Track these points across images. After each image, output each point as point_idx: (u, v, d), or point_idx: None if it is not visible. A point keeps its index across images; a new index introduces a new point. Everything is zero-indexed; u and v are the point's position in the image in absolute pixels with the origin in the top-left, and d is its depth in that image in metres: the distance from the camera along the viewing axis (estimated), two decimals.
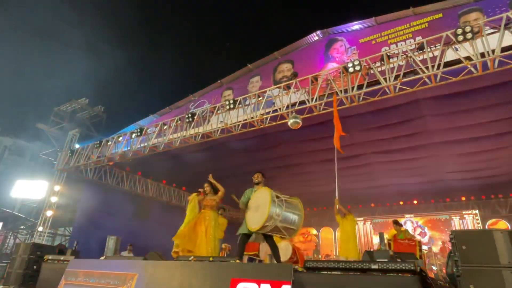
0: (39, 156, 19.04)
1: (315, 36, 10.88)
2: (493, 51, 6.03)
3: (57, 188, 12.23)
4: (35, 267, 6.50)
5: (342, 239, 8.34)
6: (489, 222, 14.50)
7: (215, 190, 5.90)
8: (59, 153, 13.02)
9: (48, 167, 14.21)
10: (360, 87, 7.39)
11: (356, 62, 7.35)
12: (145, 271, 4.28)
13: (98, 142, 11.54)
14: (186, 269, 4.04)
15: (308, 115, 8.08)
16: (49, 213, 11.94)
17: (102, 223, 12.46)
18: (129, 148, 10.94)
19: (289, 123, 7.68)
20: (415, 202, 15.91)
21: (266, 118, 8.60)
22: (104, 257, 5.86)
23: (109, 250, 11.58)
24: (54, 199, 12.12)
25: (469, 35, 6.21)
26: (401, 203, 16.24)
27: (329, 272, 3.27)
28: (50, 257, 6.27)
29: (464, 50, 6.33)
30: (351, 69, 7.37)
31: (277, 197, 4.51)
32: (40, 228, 11.84)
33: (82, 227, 12.21)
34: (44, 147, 19.29)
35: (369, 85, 7.35)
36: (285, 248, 7.71)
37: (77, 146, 12.75)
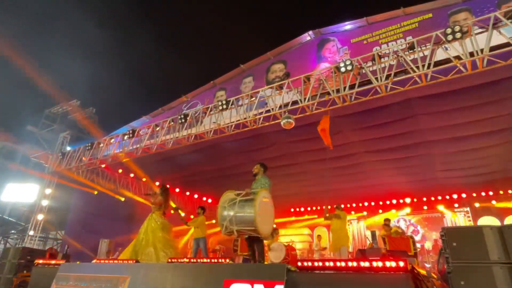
0: (30, 159, 18.74)
1: (307, 36, 10.92)
2: (481, 50, 6.11)
3: (48, 191, 12.07)
4: (25, 271, 6.40)
5: (333, 230, 8.45)
6: (481, 219, 14.68)
7: (163, 193, 6.17)
8: (50, 156, 12.85)
9: (39, 170, 14.00)
10: (352, 86, 7.42)
11: (348, 62, 7.38)
12: (138, 274, 4.24)
13: (89, 144, 11.42)
14: (179, 271, 4.00)
15: (300, 115, 8.10)
16: (40, 216, 11.78)
17: (95, 226, 12.33)
18: (121, 150, 10.85)
19: (281, 123, 7.70)
20: (407, 200, 16.04)
21: (259, 119, 8.59)
22: (95, 260, 5.80)
23: (102, 254, 11.47)
24: (45, 202, 11.95)
25: (458, 35, 6.28)
26: (394, 201, 16.37)
27: (322, 271, 3.26)
28: (40, 261, 6.16)
29: (454, 49, 6.40)
30: (343, 69, 7.40)
31: (232, 200, 4.44)
32: (31, 232, 11.67)
33: (74, 230, 12.07)
34: (35, 149, 18.99)
35: (361, 84, 7.38)
36: (279, 249, 7.71)
37: (68, 148, 12.61)
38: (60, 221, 13.59)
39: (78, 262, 6.78)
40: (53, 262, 6.05)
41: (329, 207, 8.71)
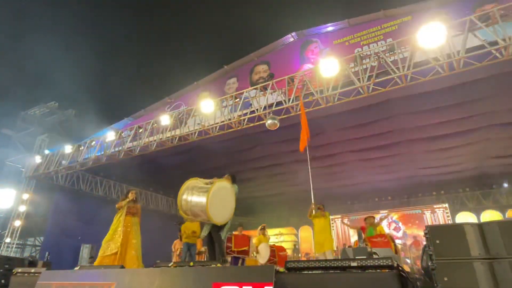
0: (6, 163, 18.01)
1: (290, 37, 11.00)
2: (458, 52, 6.34)
3: (25, 196, 11.65)
4: (3, 281, 6.13)
5: (316, 231, 8.23)
6: (458, 215, 15.22)
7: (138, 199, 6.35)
8: (28, 160, 12.41)
9: (15, 175, 13.48)
10: (335, 87, 7.54)
11: None
12: (123, 280, 4.15)
13: (69, 147, 11.09)
14: (166, 275, 3.94)
15: (285, 116, 8.15)
16: (17, 223, 11.35)
17: (76, 231, 11.99)
18: (102, 153, 10.60)
19: (266, 124, 7.73)
20: (389, 198, 16.42)
21: (244, 120, 8.59)
22: (78, 267, 5.63)
23: (84, 260, 11.17)
24: (22, 208, 11.54)
25: None
26: (376, 199, 16.72)
27: (310, 272, 3.29)
28: (19, 270, 5.92)
29: (432, 51, 6.61)
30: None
31: (195, 185, 4.62)
32: (8, 240, 11.23)
33: (54, 236, 11.69)
34: (11, 153, 18.26)
35: (343, 85, 7.51)
36: (264, 250, 7.73)
37: (46, 151, 12.20)
38: (39, 227, 13.13)
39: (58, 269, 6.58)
40: (32, 270, 5.83)
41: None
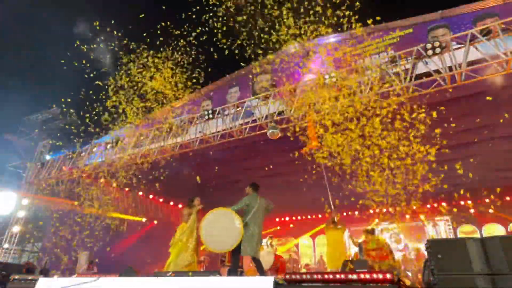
0: (7, 168, 18.02)
1: (292, 48, 11.07)
2: (460, 65, 6.38)
3: (25, 202, 11.62)
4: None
5: (330, 248, 8.18)
6: (460, 227, 15.07)
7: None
8: (29, 165, 12.43)
9: (16, 180, 13.48)
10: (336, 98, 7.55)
11: (333, 74, 7.54)
12: None
13: (70, 153, 11.12)
14: (165, 285, 3.91)
15: (286, 125, 8.16)
16: (16, 228, 11.30)
17: (74, 237, 11.90)
18: (104, 159, 10.60)
19: (268, 133, 7.75)
20: (390, 209, 16.25)
21: (245, 129, 8.61)
22: (76, 274, 5.59)
23: (82, 267, 11.08)
24: (21, 213, 11.49)
25: (437, 50, 6.55)
26: (377, 210, 16.55)
27: (310, 284, 3.26)
28: (16, 276, 5.87)
29: (434, 64, 6.66)
30: (327, 81, 7.55)
31: None
32: (6, 245, 11.16)
33: (52, 242, 11.61)
34: (12, 158, 18.30)
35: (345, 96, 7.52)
36: (267, 257, 7.67)
37: (47, 157, 12.22)
38: (38, 233, 13.05)
39: (55, 277, 6.52)
40: (30, 277, 5.78)
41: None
